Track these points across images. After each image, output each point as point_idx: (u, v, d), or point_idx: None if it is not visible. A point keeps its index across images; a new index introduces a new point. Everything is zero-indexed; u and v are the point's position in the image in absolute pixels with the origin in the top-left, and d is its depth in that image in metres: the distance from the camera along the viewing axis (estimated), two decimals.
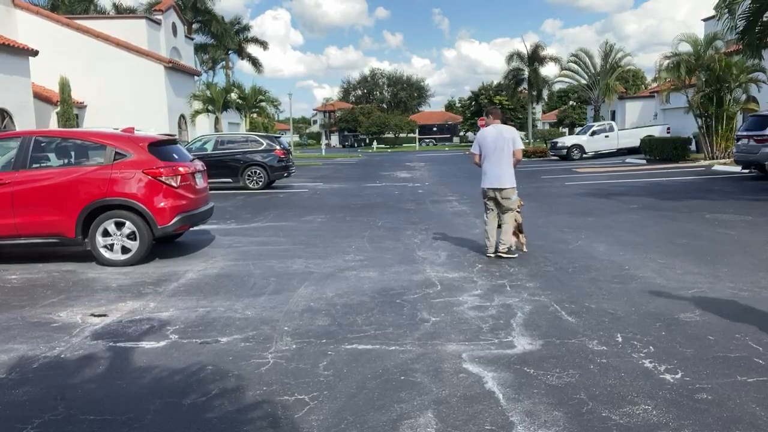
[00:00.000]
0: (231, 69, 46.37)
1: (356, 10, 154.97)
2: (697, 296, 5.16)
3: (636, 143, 27.10)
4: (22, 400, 3.42)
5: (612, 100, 35.23)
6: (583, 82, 36.78)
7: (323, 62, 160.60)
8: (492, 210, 7.09)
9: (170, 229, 7.21)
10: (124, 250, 7.07)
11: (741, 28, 13.59)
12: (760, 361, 3.70)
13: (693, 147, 23.85)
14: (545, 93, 48.83)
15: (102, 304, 5.43)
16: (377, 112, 74.06)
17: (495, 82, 56.90)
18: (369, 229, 9.29)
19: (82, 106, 22.93)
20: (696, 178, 16.57)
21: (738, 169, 16.87)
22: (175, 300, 5.51)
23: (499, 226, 7.08)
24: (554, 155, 29.20)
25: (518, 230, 7.23)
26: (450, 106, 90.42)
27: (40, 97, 20.18)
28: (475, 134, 62.43)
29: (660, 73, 24.09)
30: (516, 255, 6.97)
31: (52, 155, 7.59)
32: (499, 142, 6.90)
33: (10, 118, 17.32)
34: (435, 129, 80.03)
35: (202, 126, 28.30)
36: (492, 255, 6.99)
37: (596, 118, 35.04)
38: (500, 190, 6.93)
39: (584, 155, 28.45)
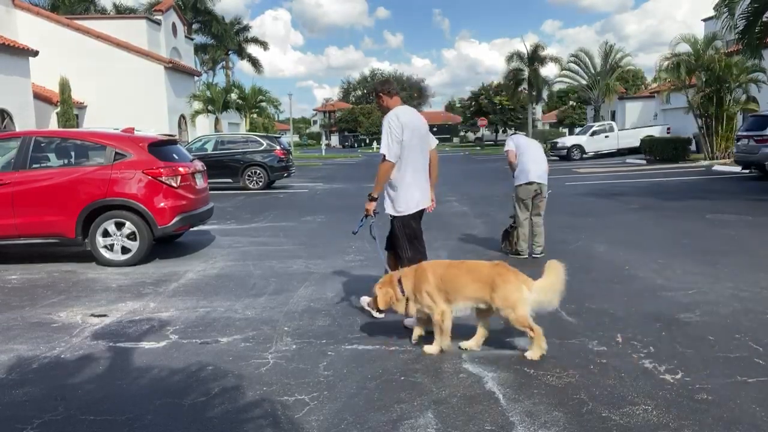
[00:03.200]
0: (231, 69, 46.39)
1: (357, 10, 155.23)
2: (697, 296, 5.15)
3: (636, 143, 27.09)
4: (22, 400, 3.42)
5: (612, 101, 35.25)
6: (583, 82, 36.80)
7: (323, 62, 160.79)
8: (527, 210, 7.01)
9: (170, 229, 7.21)
10: (124, 250, 7.07)
11: (741, 28, 13.60)
12: (760, 361, 3.70)
13: (693, 147, 23.85)
14: (545, 93, 48.77)
15: (102, 304, 5.43)
16: (377, 112, 74.02)
17: (495, 82, 56.87)
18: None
19: (82, 106, 22.94)
20: (696, 178, 16.57)
21: (738, 169, 16.87)
22: (175, 300, 5.52)
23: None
24: (554, 155, 29.18)
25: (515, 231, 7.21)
26: (450, 107, 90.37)
27: (40, 97, 20.19)
28: (475, 134, 62.07)
29: (660, 73, 24.12)
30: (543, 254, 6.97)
31: (52, 155, 7.59)
32: (535, 143, 7.29)
33: (10, 118, 17.32)
34: (435, 129, 79.77)
35: (202, 126, 28.31)
36: (527, 257, 6.93)
37: (596, 119, 35.05)
38: (543, 185, 6.95)
39: (584, 155, 28.44)
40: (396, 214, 4.55)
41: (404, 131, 4.39)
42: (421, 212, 4.69)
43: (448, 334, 3.94)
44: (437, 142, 4.98)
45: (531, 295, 3.84)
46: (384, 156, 4.39)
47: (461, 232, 8.89)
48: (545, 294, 3.84)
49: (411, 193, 4.53)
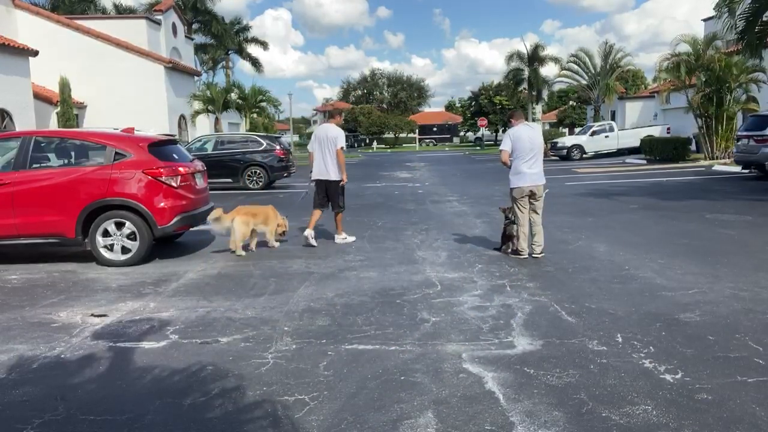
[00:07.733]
0: (231, 69, 46.36)
1: (357, 10, 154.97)
2: (697, 296, 5.16)
3: (636, 143, 27.09)
4: (22, 400, 3.42)
5: (612, 101, 35.24)
6: (583, 82, 36.77)
7: (324, 62, 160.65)
8: (524, 209, 7.00)
9: (170, 229, 7.21)
10: (124, 250, 7.07)
11: (741, 28, 13.59)
12: (760, 361, 3.70)
13: (693, 147, 23.84)
14: (545, 93, 48.80)
15: (102, 304, 5.43)
16: (377, 112, 73.91)
17: (495, 82, 56.78)
18: (369, 230, 9.29)
19: (82, 106, 22.93)
20: (696, 178, 16.58)
21: (738, 169, 16.87)
22: (175, 300, 5.52)
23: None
24: (554, 155, 29.18)
25: (512, 233, 7.18)
26: (450, 107, 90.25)
27: (40, 97, 20.17)
28: (475, 134, 61.53)
29: (660, 73, 24.09)
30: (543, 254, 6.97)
31: (52, 155, 7.59)
32: (536, 142, 6.94)
33: (10, 118, 17.31)
34: (435, 129, 79.92)
35: (202, 126, 28.30)
36: (527, 257, 6.93)
37: (596, 119, 35.03)
38: (539, 187, 6.93)
39: (584, 155, 28.42)
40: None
41: (313, 136, 8.17)
42: (323, 183, 8.04)
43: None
44: (342, 144, 7.93)
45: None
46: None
47: (461, 232, 8.88)
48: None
49: (314, 169, 8.06)
